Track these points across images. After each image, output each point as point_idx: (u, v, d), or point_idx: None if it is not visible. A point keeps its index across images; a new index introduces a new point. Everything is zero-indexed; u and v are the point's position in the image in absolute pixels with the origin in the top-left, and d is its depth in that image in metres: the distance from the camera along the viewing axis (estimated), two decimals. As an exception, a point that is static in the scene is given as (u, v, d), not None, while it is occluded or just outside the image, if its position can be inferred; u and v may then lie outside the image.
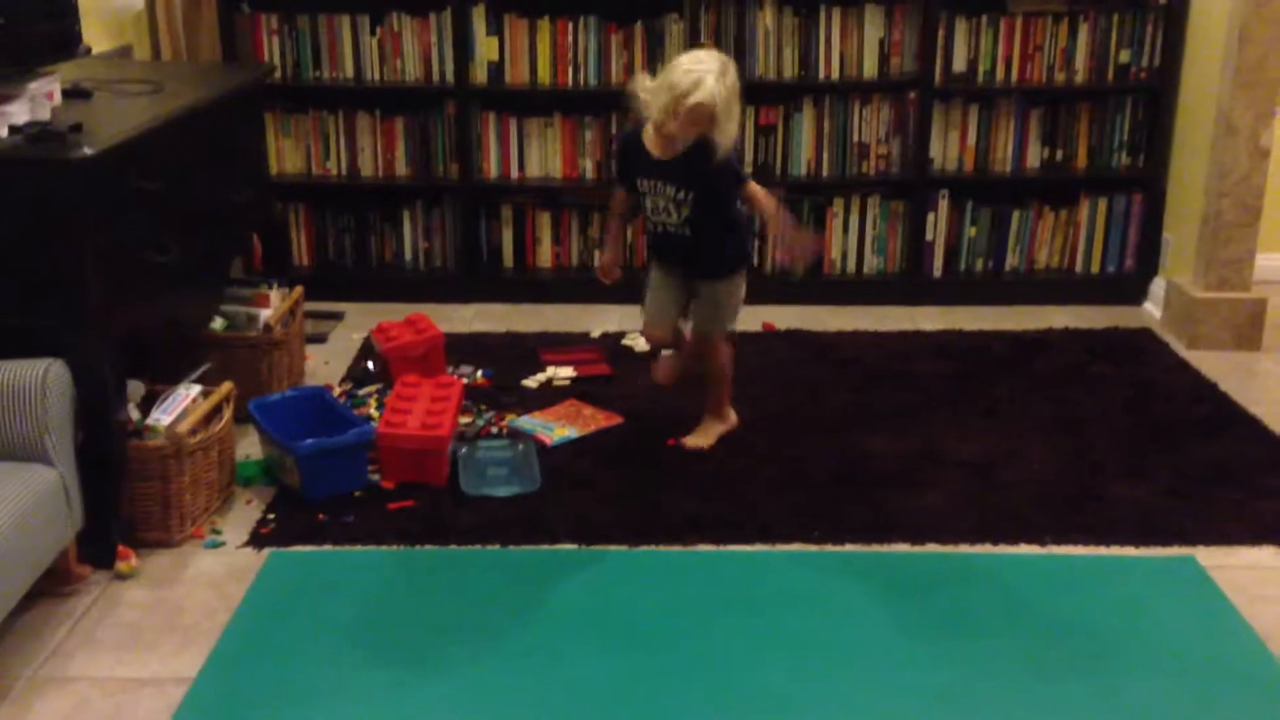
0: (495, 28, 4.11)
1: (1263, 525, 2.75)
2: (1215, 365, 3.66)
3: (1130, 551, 2.67)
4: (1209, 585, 2.53)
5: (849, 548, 2.68)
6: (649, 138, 2.89)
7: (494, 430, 3.23)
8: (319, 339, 3.86)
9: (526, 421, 3.26)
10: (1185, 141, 4.04)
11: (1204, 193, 3.84)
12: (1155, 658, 2.30)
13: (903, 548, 2.68)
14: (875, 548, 2.68)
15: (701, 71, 2.73)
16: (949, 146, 4.23)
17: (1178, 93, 4.08)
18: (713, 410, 3.17)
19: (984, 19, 4.08)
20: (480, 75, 4.15)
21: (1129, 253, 4.27)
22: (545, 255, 4.34)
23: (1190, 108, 4.01)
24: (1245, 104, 3.68)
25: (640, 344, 3.82)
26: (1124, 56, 4.11)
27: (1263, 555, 2.64)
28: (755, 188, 2.94)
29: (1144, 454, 3.09)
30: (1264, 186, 3.75)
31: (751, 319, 4.05)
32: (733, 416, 3.19)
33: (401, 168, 4.26)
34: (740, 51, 4.11)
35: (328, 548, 2.67)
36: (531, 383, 3.54)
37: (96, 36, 3.52)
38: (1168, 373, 3.64)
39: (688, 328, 3.18)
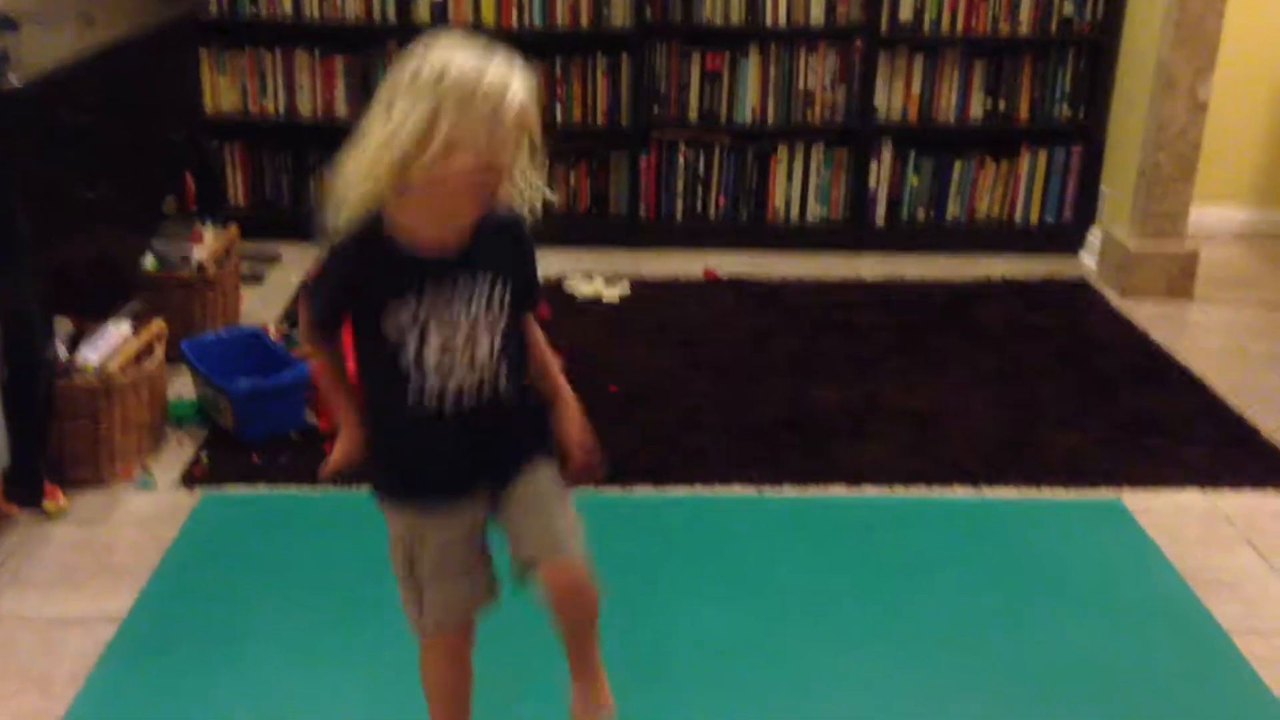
0: (438, -35, 4.03)
1: (1187, 470, 2.81)
2: (1147, 315, 3.72)
3: (1060, 495, 2.71)
4: (1135, 527, 2.58)
5: (788, 492, 2.70)
6: (406, 230, 1.53)
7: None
8: (255, 279, 3.80)
9: (466, 365, 3.23)
10: (1125, 95, 4.08)
11: (1142, 146, 3.88)
12: (1082, 598, 2.35)
13: (840, 491, 2.71)
14: (814, 491, 2.71)
15: (480, 61, 1.51)
16: (893, 96, 4.23)
17: (1119, 46, 4.10)
18: (596, 675, 1.79)
19: (930, -33, 4.08)
20: (424, 15, 4.08)
21: (1068, 204, 4.31)
22: (487, 199, 4.29)
23: (1131, 61, 4.04)
24: (1184, 59, 3.71)
25: (584, 288, 3.80)
26: (1067, 9, 4.12)
27: (1186, 498, 2.70)
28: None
29: (1078, 402, 3.14)
30: (1200, 140, 3.80)
31: (694, 265, 4.05)
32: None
33: (341, 107, 4.19)
34: (686, -5, 4.07)
35: (261, 489, 2.65)
36: (472, 326, 3.51)
37: (23, -36, 3.41)
38: (1102, 322, 3.69)
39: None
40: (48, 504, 2.49)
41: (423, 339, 1.54)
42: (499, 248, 1.58)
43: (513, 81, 1.51)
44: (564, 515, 1.68)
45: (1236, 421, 3.04)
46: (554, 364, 1.75)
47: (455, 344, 1.55)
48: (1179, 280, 3.88)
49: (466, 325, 1.55)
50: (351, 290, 1.55)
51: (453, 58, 1.49)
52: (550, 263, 4.02)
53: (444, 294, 1.54)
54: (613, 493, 2.67)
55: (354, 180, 1.51)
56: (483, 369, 1.57)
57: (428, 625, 1.71)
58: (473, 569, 1.69)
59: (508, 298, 1.58)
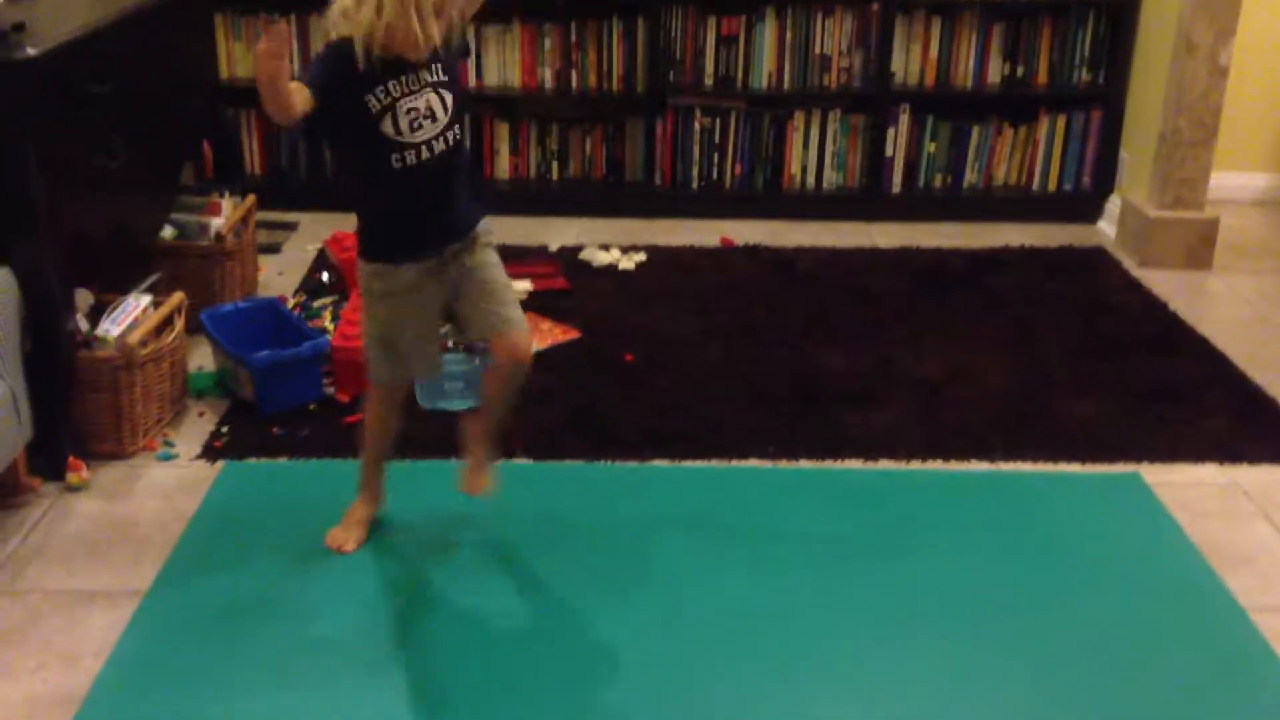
0: (452, -70, 3.99)
1: (1205, 443, 2.80)
2: (1166, 284, 3.70)
3: (1077, 468, 2.71)
4: (1152, 501, 2.58)
5: (804, 464, 2.71)
6: (381, 42, 2.01)
7: (450, 344, 3.21)
8: (272, 249, 3.80)
9: (483, 335, 3.24)
10: (1145, 59, 4.03)
11: (1162, 111, 3.85)
12: (1098, 572, 2.36)
13: (856, 463, 2.71)
14: (829, 463, 2.71)
15: None
16: (910, 60, 4.20)
17: (1139, 9, 4.06)
18: (491, 446, 2.38)
19: (950, -70, 4.03)
20: (436, -21, 4.04)
21: (1086, 170, 4.27)
22: (503, 166, 4.28)
23: (1151, 25, 3.99)
24: (1206, 22, 3.67)
25: (601, 257, 3.80)
26: (1088, -29, 4.08)
27: (1205, 472, 2.70)
28: None
29: (1094, 372, 3.13)
30: (1221, 105, 3.76)
31: (709, 233, 4.04)
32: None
33: (356, 74, 4.16)
34: (703, -41, 4.03)
35: (282, 460, 2.67)
36: (488, 295, 3.51)
37: (36, -69, 3.39)
38: (1120, 291, 3.67)
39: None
40: (71, 477, 2.52)
41: (396, 110, 2.04)
42: (449, 61, 2.11)
43: None
44: (509, 293, 2.23)
45: (1255, 393, 3.04)
46: None
47: (419, 110, 2.06)
48: (1198, 248, 3.85)
49: (430, 97, 2.07)
50: (343, 76, 2.00)
51: None
52: (566, 231, 4.02)
53: (412, 81, 2.05)
54: (630, 464, 2.69)
55: (337, 22, 2.02)
56: (442, 125, 2.09)
57: (386, 379, 2.27)
58: (431, 343, 2.26)
59: (455, 87, 2.12)
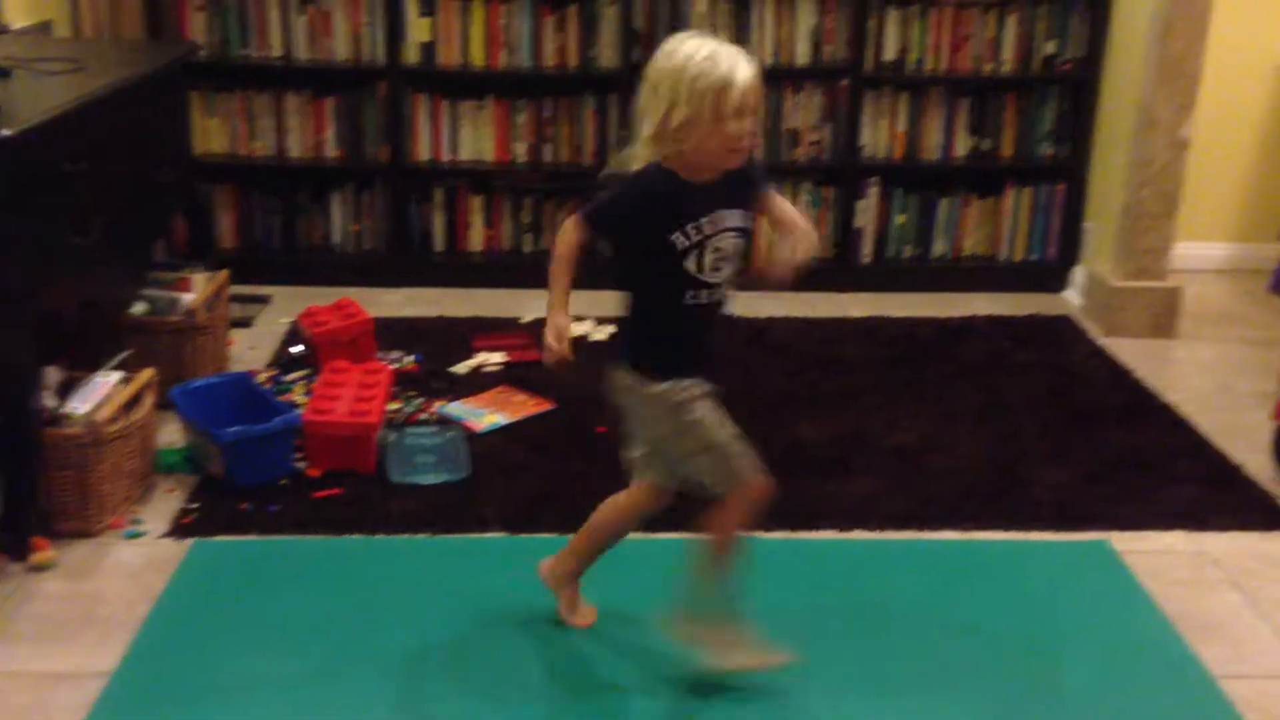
0: (428, 8, 4.06)
1: (1173, 510, 2.82)
2: (1132, 353, 3.75)
3: (1048, 536, 2.73)
4: (1122, 570, 2.60)
5: (777, 535, 2.71)
6: (686, 173, 2.03)
7: (423, 416, 3.21)
8: (244, 323, 3.81)
9: (456, 408, 3.25)
10: (1108, 132, 4.12)
11: (1125, 183, 3.92)
12: (1069, 641, 2.36)
13: (830, 534, 2.72)
14: (802, 534, 2.72)
15: (714, 48, 1.98)
16: (879, 134, 4.27)
17: (1101, 84, 4.15)
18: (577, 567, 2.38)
19: (915, 8, 4.13)
20: (412, 56, 4.11)
21: (1051, 241, 4.34)
22: (477, 239, 4.31)
23: (1113, 100, 4.09)
24: (1166, 97, 3.76)
25: (573, 329, 3.80)
26: (1050, 48, 4.18)
27: (1173, 540, 2.72)
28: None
29: (1063, 441, 3.16)
30: (1182, 177, 3.84)
31: (682, 304, 4.06)
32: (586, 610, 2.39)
33: (331, 149, 4.21)
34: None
35: (252, 537, 2.65)
36: (462, 368, 3.53)
37: (15, 12, 3.43)
38: (1086, 360, 3.72)
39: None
40: (37, 556, 2.49)
41: (702, 249, 2.03)
42: (740, 187, 2.07)
43: (739, 68, 1.95)
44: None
45: (1221, 461, 3.07)
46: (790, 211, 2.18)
47: (711, 263, 2.04)
48: (1163, 317, 3.91)
49: (721, 249, 2.05)
50: (647, 209, 2.02)
51: (690, 54, 1.96)
52: (539, 304, 4.02)
53: (714, 221, 2.03)
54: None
55: (641, 152, 2.04)
56: (719, 288, 2.09)
57: (663, 482, 2.23)
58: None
59: (745, 230, 2.09)
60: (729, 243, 2.05)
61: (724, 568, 2.17)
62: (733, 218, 2.05)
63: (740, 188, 2.07)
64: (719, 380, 2.18)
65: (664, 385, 2.11)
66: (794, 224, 2.13)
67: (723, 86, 1.93)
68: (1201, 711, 2.18)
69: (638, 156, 2.05)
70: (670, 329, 2.11)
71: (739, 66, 1.94)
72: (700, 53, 1.95)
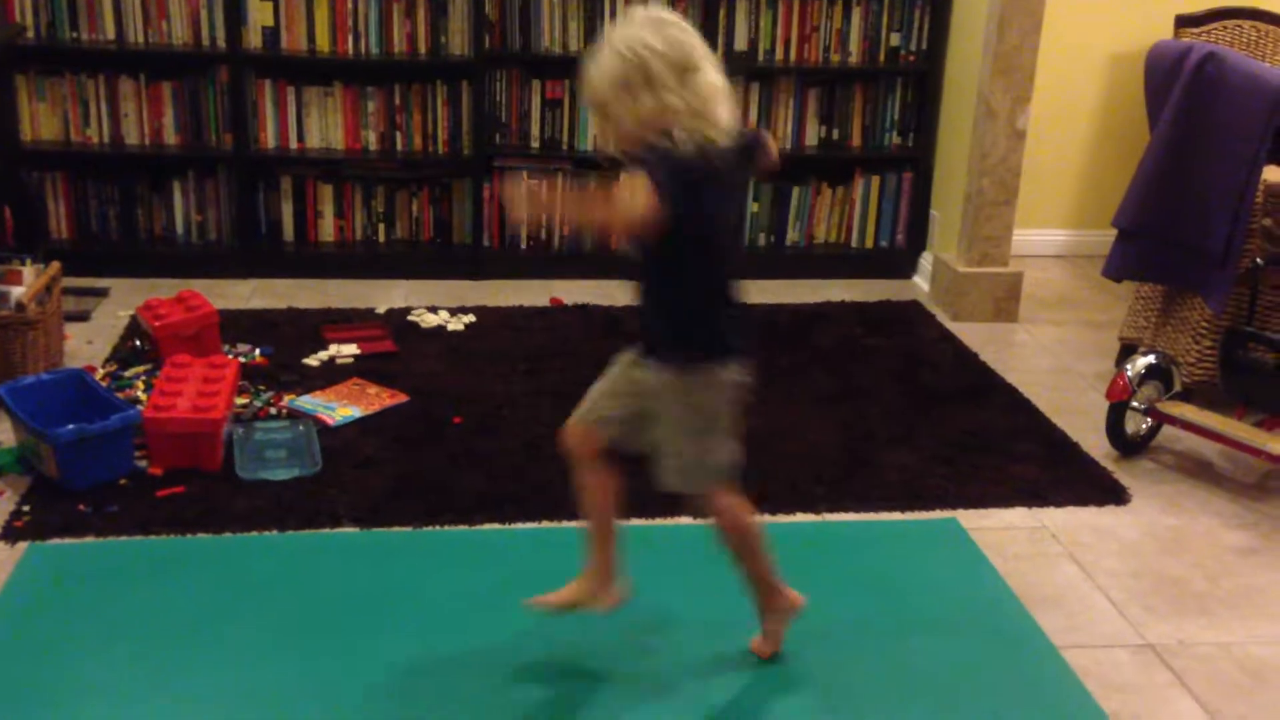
0: (269, -9, 3.95)
1: (1015, 488, 2.93)
2: (976, 336, 3.87)
3: (898, 516, 2.80)
4: (970, 546, 2.68)
5: (635, 522, 2.71)
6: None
7: (272, 411, 3.12)
8: (81, 317, 3.64)
9: (307, 401, 3.17)
10: (950, 123, 4.25)
11: (966, 172, 4.05)
12: (918, 616, 2.42)
13: (686, 521, 2.74)
14: (659, 521, 2.73)
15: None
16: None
17: (943, 76, 4.27)
18: (765, 602, 2.26)
19: (763, 0, 4.18)
20: (254, 40, 3.98)
21: (900, 228, 4.46)
22: (328, 229, 4.21)
23: (954, 91, 4.21)
24: (1003, 89, 3.89)
25: (429, 319, 3.77)
26: (894, 40, 4.28)
27: (1015, 516, 2.82)
28: None
29: (911, 423, 3.24)
30: (1020, 167, 3.98)
31: (539, 293, 4.05)
32: (792, 594, 2.27)
33: (170, 136, 4.05)
34: (525, 25, 4.08)
35: (90, 539, 2.54)
36: (313, 361, 3.44)
37: None
38: (934, 344, 3.83)
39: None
40: None
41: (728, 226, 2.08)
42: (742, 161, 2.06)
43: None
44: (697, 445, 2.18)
45: (1060, 439, 3.19)
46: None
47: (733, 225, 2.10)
48: (1004, 302, 4.05)
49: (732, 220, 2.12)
50: (694, 184, 1.93)
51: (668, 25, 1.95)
52: (393, 294, 3.97)
53: (734, 190, 2.09)
54: (460, 529, 2.65)
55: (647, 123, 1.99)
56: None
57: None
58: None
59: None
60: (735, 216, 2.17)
61: (760, 549, 2.23)
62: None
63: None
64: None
65: (733, 365, 2.11)
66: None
67: None
68: (1044, 681, 2.26)
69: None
70: (719, 305, 2.08)
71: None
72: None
